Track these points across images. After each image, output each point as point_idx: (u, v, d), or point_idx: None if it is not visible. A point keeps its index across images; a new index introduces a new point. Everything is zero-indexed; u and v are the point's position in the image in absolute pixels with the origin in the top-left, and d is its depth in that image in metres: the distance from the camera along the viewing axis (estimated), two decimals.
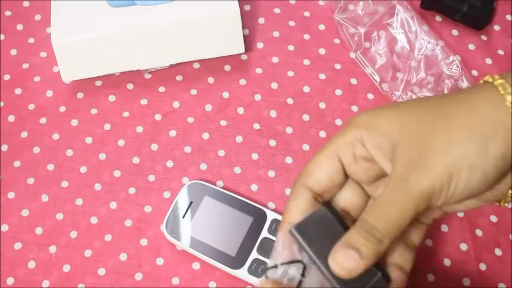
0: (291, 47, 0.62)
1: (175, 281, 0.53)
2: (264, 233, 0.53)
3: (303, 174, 0.41)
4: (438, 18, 0.64)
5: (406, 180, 0.36)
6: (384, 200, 0.36)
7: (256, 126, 0.59)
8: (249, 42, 0.62)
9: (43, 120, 0.59)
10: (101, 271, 0.53)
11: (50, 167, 0.57)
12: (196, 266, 0.53)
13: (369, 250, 0.35)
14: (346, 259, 0.36)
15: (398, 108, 0.39)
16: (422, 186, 0.35)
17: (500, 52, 0.63)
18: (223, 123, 0.59)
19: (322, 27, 0.63)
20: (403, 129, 0.38)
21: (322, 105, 0.60)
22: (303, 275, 0.38)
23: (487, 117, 0.36)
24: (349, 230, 0.37)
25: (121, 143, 0.58)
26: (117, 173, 0.57)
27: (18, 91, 0.60)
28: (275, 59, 0.62)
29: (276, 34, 0.63)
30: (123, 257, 0.54)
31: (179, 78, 0.61)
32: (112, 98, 0.60)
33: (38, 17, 0.63)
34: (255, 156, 0.58)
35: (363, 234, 0.36)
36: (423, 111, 0.38)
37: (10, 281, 0.53)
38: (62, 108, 0.59)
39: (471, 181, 0.35)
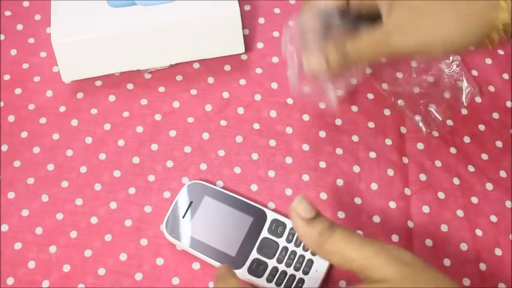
0: None
1: (175, 281, 0.53)
2: (264, 233, 0.53)
3: None
4: None
5: (389, 36, 0.46)
6: (366, 39, 0.48)
7: (256, 126, 0.59)
8: (249, 42, 0.62)
9: (43, 120, 0.59)
10: (101, 271, 0.53)
11: (50, 167, 0.57)
12: (196, 266, 0.53)
13: (334, 64, 0.49)
14: (316, 61, 0.49)
15: None
16: (399, 47, 0.46)
17: (501, 52, 0.63)
18: (223, 123, 0.59)
19: None
20: None
21: (322, 105, 0.60)
22: None
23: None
24: (329, 46, 0.49)
25: (121, 143, 0.58)
26: (117, 173, 0.57)
27: (18, 91, 0.60)
28: (275, 59, 0.62)
29: (276, 34, 0.63)
30: (123, 257, 0.54)
31: (179, 78, 0.61)
32: (112, 98, 0.60)
33: (38, 17, 0.63)
34: (255, 156, 0.58)
35: (339, 54, 0.49)
36: None
37: (10, 281, 0.53)
38: (62, 108, 0.59)
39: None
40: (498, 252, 0.55)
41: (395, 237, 0.54)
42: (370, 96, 0.60)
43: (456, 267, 0.54)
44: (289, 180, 0.57)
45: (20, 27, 0.63)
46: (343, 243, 0.41)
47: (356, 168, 0.57)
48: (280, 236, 0.52)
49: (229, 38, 0.59)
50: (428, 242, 0.55)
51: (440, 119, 0.59)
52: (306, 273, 0.51)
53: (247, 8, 0.64)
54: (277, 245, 0.52)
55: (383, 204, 0.56)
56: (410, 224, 0.55)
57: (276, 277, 0.51)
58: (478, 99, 0.60)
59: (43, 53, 0.62)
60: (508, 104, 0.60)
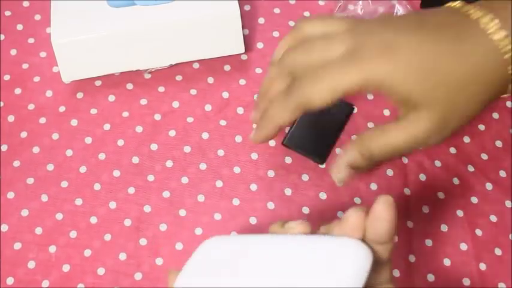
0: None
1: None
2: None
3: None
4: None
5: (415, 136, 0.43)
6: (400, 135, 0.44)
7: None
8: (249, 42, 0.62)
9: (43, 120, 0.59)
10: (101, 271, 0.53)
11: (50, 167, 0.57)
12: None
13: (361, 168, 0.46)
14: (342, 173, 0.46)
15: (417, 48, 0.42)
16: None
17: None
18: (222, 123, 0.59)
19: None
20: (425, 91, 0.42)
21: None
22: None
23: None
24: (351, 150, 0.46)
25: (120, 142, 0.58)
26: (116, 173, 0.57)
27: (18, 91, 0.60)
28: None
29: (276, 34, 0.63)
30: (122, 256, 0.54)
31: (179, 78, 0.61)
32: (112, 98, 0.60)
33: (38, 17, 0.63)
34: (254, 156, 0.58)
35: (365, 158, 0.45)
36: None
37: (10, 281, 0.53)
38: (62, 108, 0.60)
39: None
40: (498, 252, 0.54)
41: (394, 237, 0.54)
42: (370, 96, 0.60)
43: (456, 267, 0.54)
44: (288, 180, 0.57)
45: (20, 27, 0.63)
46: None
47: None
48: None
49: (229, 38, 0.59)
50: (428, 242, 0.55)
51: None
52: None
53: (247, 8, 0.64)
54: None
55: None
56: (410, 223, 0.55)
57: None
58: None
59: (43, 53, 0.62)
60: (508, 104, 0.60)
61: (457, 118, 0.42)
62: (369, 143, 0.44)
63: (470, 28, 0.41)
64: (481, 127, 0.59)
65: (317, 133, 0.58)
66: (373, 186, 0.56)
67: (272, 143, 0.58)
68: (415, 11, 0.59)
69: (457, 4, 0.43)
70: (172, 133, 0.59)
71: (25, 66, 0.61)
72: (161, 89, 0.61)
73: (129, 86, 0.61)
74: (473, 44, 0.41)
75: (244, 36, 0.62)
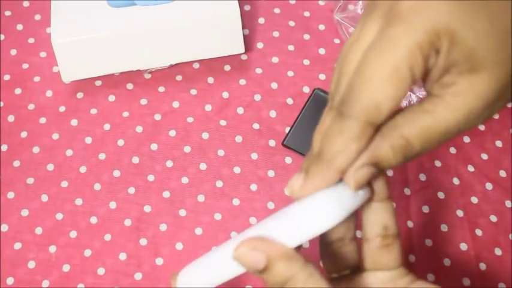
0: (290, 47, 0.62)
1: None
2: None
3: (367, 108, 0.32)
4: None
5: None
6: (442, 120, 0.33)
7: (256, 126, 0.59)
8: (249, 42, 0.62)
9: (43, 120, 0.59)
10: (101, 271, 0.54)
11: (50, 167, 0.57)
12: None
13: (390, 165, 0.34)
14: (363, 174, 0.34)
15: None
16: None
17: None
18: (222, 123, 0.59)
19: (322, 27, 0.63)
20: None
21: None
22: None
23: None
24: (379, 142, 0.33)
25: (120, 142, 0.58)
26: (116, 173, 0.57)
27: (18, 91, 0.60)
28: (275, 59, 0.62)
29: (275, 34, 0.63)
30: (122, 256, 0.54)
31: (179, 78, 0.61)
32: (112, 98, 0.60)
33: (38, 17, 0.63)
34: (254, 156, 0.58)
35: (397, 151, 0.33)
36: None
37: (10, 281, 0.53)
38: (62, 108, 0.60)
39: None
40: (498, 252, 0.55)
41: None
42: None
43: (456, 267, 0.54)
44: (288, 180, 0.57)
45: (20, 27, 0.63)
46: None
47: None
48: None
49: (229, 38, 0.59)
50: (428, 242, 0.55)
51: None
52: None
53: (247, 8, 0.64)
54: None
55: None
56: (410, 223, 0.55)
57: None
58: None
59: (43, 53, 0.62)
60: (508, 104, 0.60)
61: None
62: (407, 131, 0.32)
63: None
64: (481, 127, 0.59)
65: None
66: None
67: (272, 143, 0.58)
68: None
69: None
70: (172, 133, 0.59)
71: (25, 66, 0.61)
72: (161, 89, 0.61)
73: (129, 86, 0.61)
74: None
75: (244, 36, 0.62)
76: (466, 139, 0.59)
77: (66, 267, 0.54)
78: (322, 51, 0.62)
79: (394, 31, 0.31)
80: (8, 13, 0.64)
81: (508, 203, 0.56)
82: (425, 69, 0.31)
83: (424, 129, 0.32)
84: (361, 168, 0.33)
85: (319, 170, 0.33)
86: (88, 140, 0.58)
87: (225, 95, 0.60)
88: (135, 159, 0.58)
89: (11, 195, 0.56)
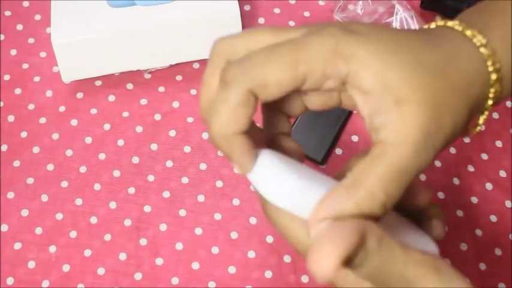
0: None
1: (175, 280, 0.53)
2: None
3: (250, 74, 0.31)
4: (438, 18, 0.64)
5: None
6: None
7: None
8: None
9: (43, 120, 0.59)
10: (101, 271, 0.53)
11: (50, 167, 0.57)
12: (195, 265, 0.53)
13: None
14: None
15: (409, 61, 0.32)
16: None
17: None
18: None
19: None
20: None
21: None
22: None
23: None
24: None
25: (120, 143, 0.58)
26: (116, 173, 0.57)
27: (18, 91, 0.60)
28: None
29: None
30: (122, 256, 0.54)
31: (179, 78, 0.61)
32: (112, 98, 0.60)
33: (38, 17, 0.63)
34: None
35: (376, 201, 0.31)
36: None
37: (10, 281, 0.53)
38: (62, 108, 0.59)
39: None
40: (498, 252, 0.55)
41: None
42: None
43: (456, 267, 0.54)
44: None
45: (20, 27, 0.63)
46: None
47: None
48: None
49: None
50: None
51: None
52: None
53: (247, 8, 0.64)
54: None
55: None
56: None
57: None
58: None
59: (43, 53, 0.62)
60: (508, 104, 0.60)
61: (450, 118, 0.32)
62: (367, 183, 0.31)
63: (451, 33, 0.35)
64: (481, 127, 0.59)
65: (317, 133, 0.58)
66: None
67: None
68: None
69: (431, 24, 0.36)
70: (172, 133, 0.59)
71: (25, 66, 0.61)
72: (161, 89, 0.61)
73: (129, 86, 0.61)
74: (452, 43, 0.34)
75: None
76: (466, 139, 0.59)
77: (66, 267, 0.54)
78: None
79: (311, 38, 0.31)
80: (8, 13, 0.64)
81: (508, 203, 0.56)
82: (319, 82, 0.32)
83: (381, 176, 0.31)
84: (321, 222, 0.30)
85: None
86: (88, 140, 0.58)
87: None
88: (135, 159, 0.58)
89: (11, 195, 0.56)
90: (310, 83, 0.32)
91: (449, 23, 0.35)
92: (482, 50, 0.34)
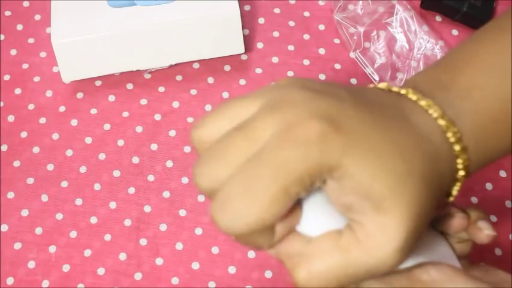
0: (290, 47, 0.62)
1: (175, 280, 0.53)
2: None
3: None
4: (438, 18, 0.64)
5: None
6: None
7: None
8: (249, 42, 0.62)
9: (43, 120, 0.59)
10: (101, 271, 0.53)
11: (50, 167, 0.57)
12: (195, 265, 0.53)
13: None
14: None
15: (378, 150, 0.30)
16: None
17: None
18: None
19: (322, 27, 0.63)
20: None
21: None
22: None
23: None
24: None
25: (121, 143, 0.58)
26: (116, 173, 0.57)
27: (18, 91, 0.60)
28: (275, 59, 0.62)
29: (275, 34, 0.63)
30: (122, 256, 0.54)
31: (179, 78, 0.61)
32: (112, 98, 0.60)
33: (38, 17, 0.63)
34: None
35: None
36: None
37: (10, 281, 0.53)
38: (62, 108, 0.59)
39: None
40: (498, 252, 0.54)
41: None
42: None
43: None
44: None
45: (20, 27, 0.63)
46: None
47: None
48: None
49: (229, 38, 0.59)
50: None
51: None
52: None
53: (247, 8, 0.64)
54: None
55: None
56: None
57: None
58: None
59: (43, 53, 0.62)
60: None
61: (425, 216, 0.31)
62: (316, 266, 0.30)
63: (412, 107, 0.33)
64: None
65: None
66: None
67: None
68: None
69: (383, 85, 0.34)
70: (172, 133, 0.59)
71: (25, 66, 0.61)
72: (161, 89, 0.61)
73: (129, 86, 0.61)
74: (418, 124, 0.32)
75: (244, 36, 0.62)
76: None
77: (66, 267, 0.54)
78: (322, 51, 0.62)
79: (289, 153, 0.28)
80: (8, 13, 0.64)
81: (508, 203, 0.56)
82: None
83: (336, 270, 0.29)
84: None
85: None
86: (88, 140, 0.58)
87: (225, 95, 0.60)
88: (135, 159, 0.58)
89: (11, 195, 0.56)
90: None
91: (403, 91, 0.33)
92: (440, 121, 0.32)
